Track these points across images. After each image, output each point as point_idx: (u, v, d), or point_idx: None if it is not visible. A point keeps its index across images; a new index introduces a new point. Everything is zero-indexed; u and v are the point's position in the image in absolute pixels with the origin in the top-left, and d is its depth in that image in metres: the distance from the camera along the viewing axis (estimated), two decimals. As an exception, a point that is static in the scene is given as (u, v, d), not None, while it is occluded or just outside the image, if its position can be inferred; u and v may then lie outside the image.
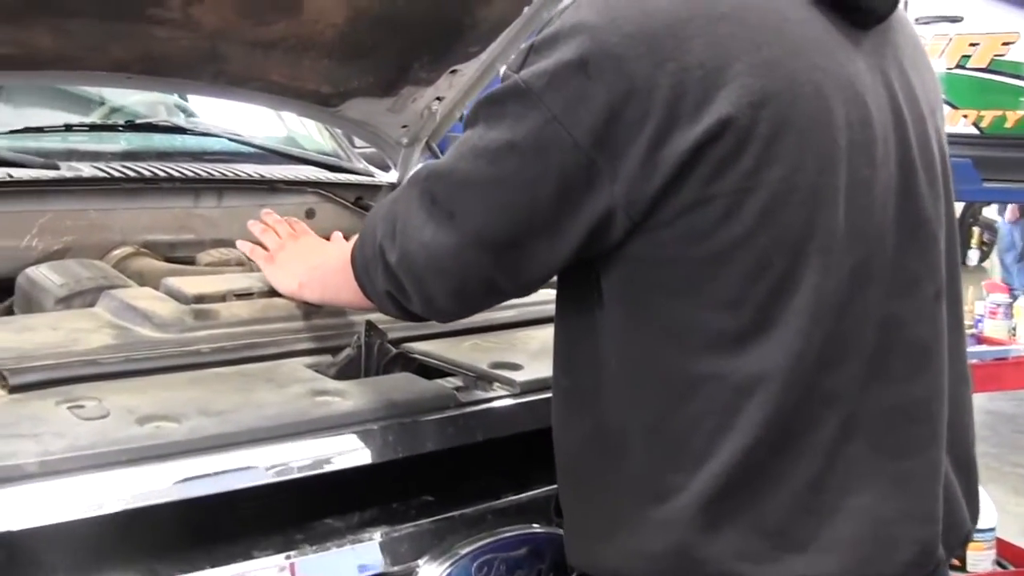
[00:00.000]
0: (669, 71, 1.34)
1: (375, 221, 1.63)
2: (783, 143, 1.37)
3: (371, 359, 2.03)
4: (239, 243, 2.41)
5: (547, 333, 2.24)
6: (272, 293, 2.21)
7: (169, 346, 1.96)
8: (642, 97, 1.34)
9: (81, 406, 1.68)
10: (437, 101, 3.12)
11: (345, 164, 3.36)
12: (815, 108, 1.40)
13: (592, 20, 1.39)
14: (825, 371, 1.44)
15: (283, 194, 3.04)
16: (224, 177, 2.93)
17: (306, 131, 3.68)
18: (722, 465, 1.42)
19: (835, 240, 1.42)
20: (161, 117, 3.48)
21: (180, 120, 3.46)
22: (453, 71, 3.01)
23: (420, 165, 1.58)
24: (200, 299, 2.14)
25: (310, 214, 3.07)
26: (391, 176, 3.35)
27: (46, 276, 2.32)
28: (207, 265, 2.62)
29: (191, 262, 2.70)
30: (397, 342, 2.12)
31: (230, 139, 3.25)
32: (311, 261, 2.14)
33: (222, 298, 2.17)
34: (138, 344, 1.95)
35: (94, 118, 3.34)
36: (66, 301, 2.22)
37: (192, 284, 2.20)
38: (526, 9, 2.85)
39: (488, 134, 1.44)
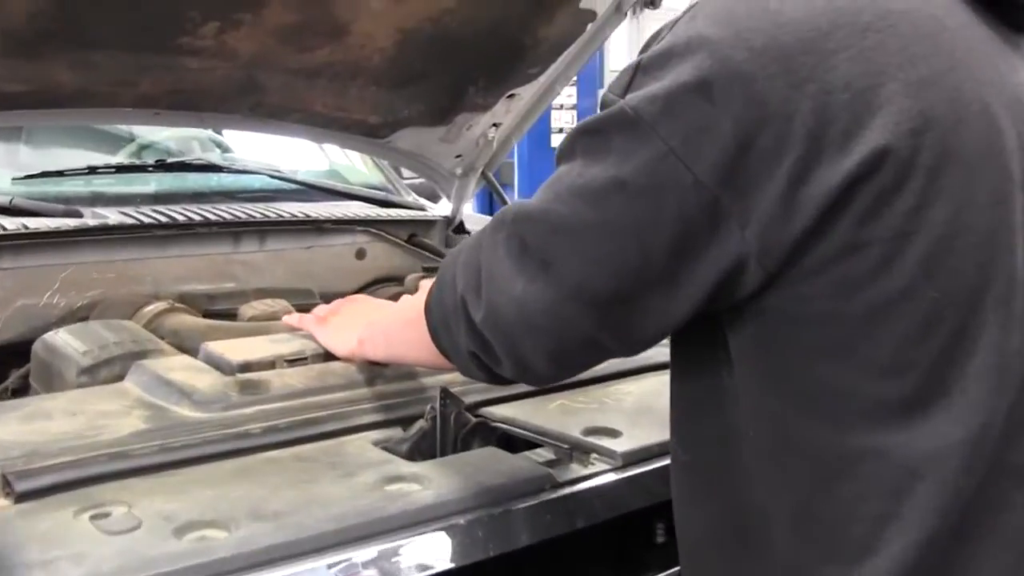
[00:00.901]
0: (810, 93, 1.10)
1: (453, 270, 1.37)
2: (949, 176, 1.13)
3: (447, 431, 1.70)
4: (285, 319, 2.12)
5: (642, 387, 1.97)
6: (328, 356, 1.88)
7: (212, 428, 1.62)
8: (778, 125, 1.10)
9: (106, 514, 1.35)
10: (494, 128, 2.85)
11: (395, 198, 3.05)
12: (984, 132, 1.16)
13: (713, 34, 1.14)
14: (1013, 445, 1.19)
15: (331, 234, 2.73)
16: (266, 218, 2.61)
17: (349, 162, 3.37)
18: (891, 560, 1.16)
19: (1015, 288, 1.18)
20: (195, 154, 3.19)
21: (215, 157, 3.14)
22: (511, 95, 2.75)
23: (506, 205, 1.28)
24: (246, 367, 1.80)
25: (360, 255, 2.77)
26: (444, 209, 3.05)
27: (67, 343, 1.97)
28: (250, 320, 2.27)
29: (233, 315, 2.36)
30: (474, 407, 1.79)
31: (271, 176, 2.93)
32: (371, 317, 1.83)
33: (271, 364, 1.83)
34: (175, 428, 1.61)
35: (122, 157, 3.03)
36: (91, 372, 1.87)
37: (236, 349, 1.86)
38: (589, 26, 2.60)
39: (589, 170, 1.19)
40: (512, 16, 2.45)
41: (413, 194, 3.18)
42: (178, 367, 1.80)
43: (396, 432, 1.71)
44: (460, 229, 3.01)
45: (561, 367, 1.33)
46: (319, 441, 1.65)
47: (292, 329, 2.03)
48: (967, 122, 1.14)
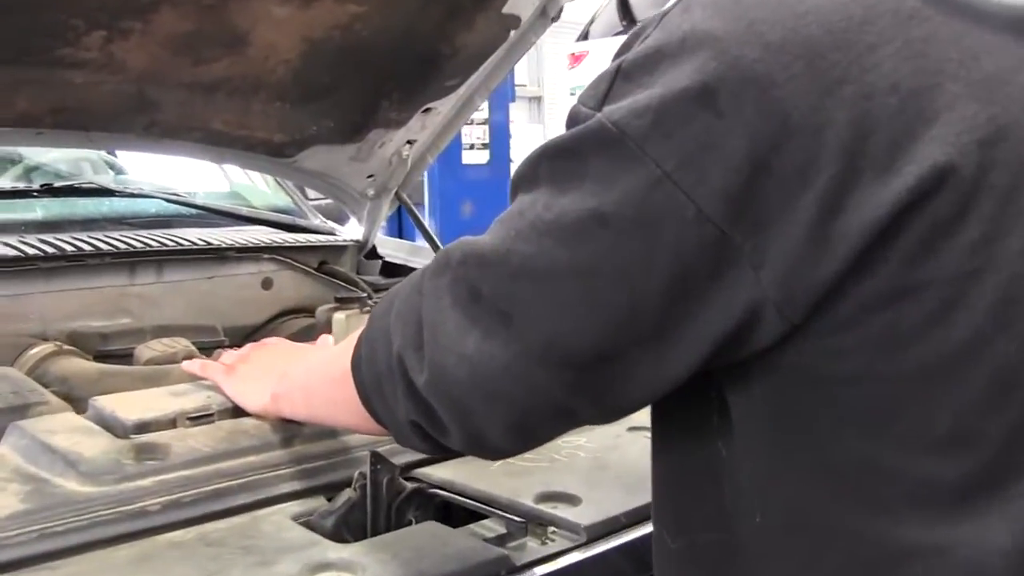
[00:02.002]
0: (845, 99, 0.85)
1: (386, 321, 1.08)
2: None
3: (379, 501, 1.41)
4: (185, 364, 1.78)
5: (594, 439, 1.70)
6: (237, 412, 1.58)
7: (103, 505, 1.31)
8: (803, 140, 0.85)
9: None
10: (408, 145, 2.56)
11: (303, 222, 2.74)
12: None
13: (716, 27, 0.88)
14: None
15: (234, 263, 2.42)
16: (163, 247, 2.29)
17: (251, 183, 3.06)
18: None
19: None
20: (86, 176, 2.85)
21: (108, 179, 2.81)
22: (427, 109, 2.46)
23: (452, 243, 1.02)
24: (142, 427, 1.49)
25: (267, 284, 2.46)
26: (355, 231, 2.75)
27: (-65, 395, 1.64)
28: (148, 362, 1.96)
29: (129, 356, 2.04)
30: (407, 469, 1.50)
31: (168, 200, 2.60)
32: (286, 367, 1.53)
33: (171, 423, 1.53)
34: (59, 507, 1.30)
35: (7, 181, 2.68)
36: (-40, 432, 1.55)
37: (129, 405, 1.55)
38: (512, 33, 2.32)
39: (559, 201, 0.93)
40: (429, 23, 2.17)
41: (321, 216, 2.88)
42: (61, 428, 1.48)
43: (319, 502, 1.43)
44: (372, 254, 2.73)
45: (522, 439, 1.05)
46: (230, 517, 1.36)
47: (194, 377, 1.73)
48: None
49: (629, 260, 0.90)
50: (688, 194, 0.86)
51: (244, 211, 2.69)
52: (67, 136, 2.16)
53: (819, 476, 0.93)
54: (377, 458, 1.40)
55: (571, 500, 1.43)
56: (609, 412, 1.01)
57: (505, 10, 2.21)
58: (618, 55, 0.96)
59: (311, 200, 3.09)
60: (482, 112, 7.26)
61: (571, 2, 2.33)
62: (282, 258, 2.48)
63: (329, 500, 1.43)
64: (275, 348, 1.66)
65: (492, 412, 0.99)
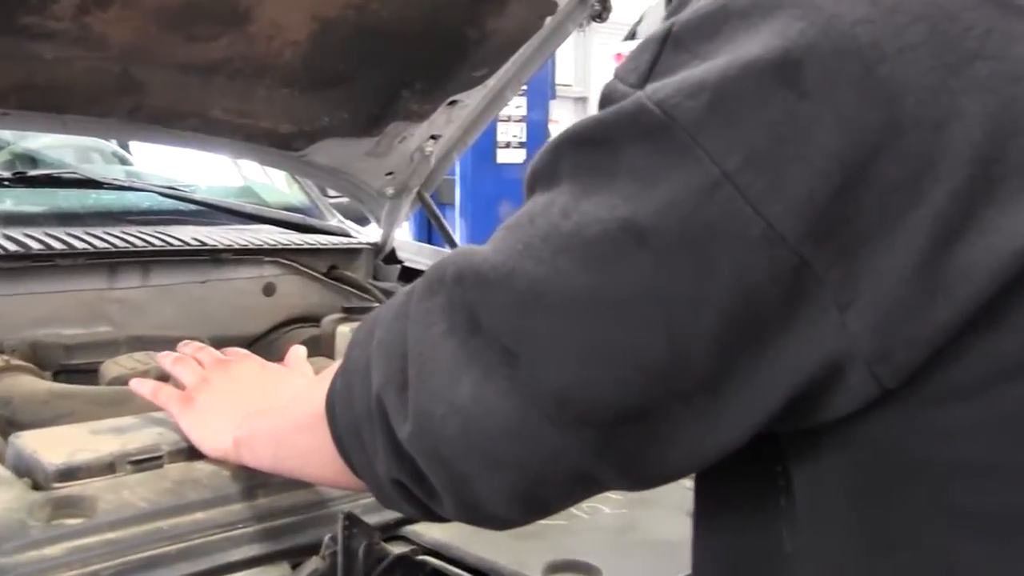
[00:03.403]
0: (980, 80, 0.63)
1: (366, 350, 0.85)
2: None
3: (354, 570, 1.11)
4: (133, 383, 1.45)
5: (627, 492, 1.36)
6: (193, 453, 1.27)
7: (-3, 583, 1.01)
8: (920, 135, 0.62)
9: None
10: (432, 140, 2.31)
11: (314, 222, 2.47)
12: None
13: None
14: None
15: (232, 266, 2.15)
16: (149, 246, 2.00)
17: (268, 179, 2.79)
18: None
19: None
20: (97, 166, 2.59)
21: (98, 171, 2.54)
22: (452, 102, 2.21)
23: (447, 254, 0.68)
24: (67, 474, 1.19)
25: (269, 290, 2.19)
26: (373, 234, 2.49)
27: None
28: (112, 381, 1.67)
29: (94, 372, 1.76)
30: (393, 527, 1.21)
31: (162, 194, 2.32)
32: (253, 401, 1.24)
33: (108, 467, 1.22)
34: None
35: (-3, 170, 2.41)
36: None
37: (58, 444, 1.24)
38: (548, 20, 2.06)
39: (581, 206, 0.69)
40: (455, 5, 1.93)
41: (339, 216, 2.61)
42: (-37, 474, 1.19)
43: (282, 571, 1.13)
44: (391, 258, 2.45)
45: (531, 510, 0.81)
46: (165, 594, 1.06)
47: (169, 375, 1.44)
48: None
49: (671, 291, 0.66)
50: (755, 205, 0.64)
51: (248, 208, 2.41)
52: (37, 118, 1.91)
53: None
54: (351, 520, 1.10)
55: (589, 571, 1.15)
56: (641, 481, 0.77)
57: (540, -6, 1.96)
58: (669, 15, 0.70)
59: (332, 199, 2.82)
60: (520, 109, 7.07)
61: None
62: (286, 261, 2.21)
63: (295, 568, 1.13)
64: (240, 371, 1.35)
65: (492, 479, 0.76)
